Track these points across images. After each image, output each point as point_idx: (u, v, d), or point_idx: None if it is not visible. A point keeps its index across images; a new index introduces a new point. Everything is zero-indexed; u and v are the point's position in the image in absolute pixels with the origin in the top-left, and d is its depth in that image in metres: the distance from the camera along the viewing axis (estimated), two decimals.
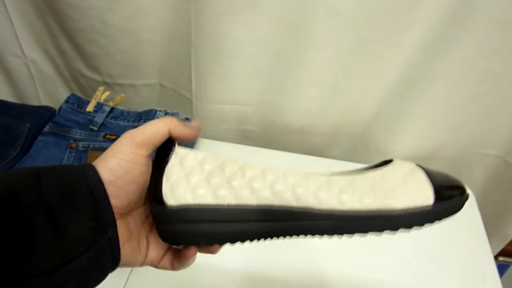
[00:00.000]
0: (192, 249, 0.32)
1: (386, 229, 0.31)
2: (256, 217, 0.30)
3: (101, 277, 0.28)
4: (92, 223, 0.26)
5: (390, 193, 0.30)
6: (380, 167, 0.33)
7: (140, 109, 0.68)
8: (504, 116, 0.69)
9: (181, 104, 0.78)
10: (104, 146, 0.61)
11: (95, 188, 0.27)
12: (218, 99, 0.75)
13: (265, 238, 0.30)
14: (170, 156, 0.30)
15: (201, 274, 0.53)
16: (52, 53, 0.82)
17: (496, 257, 0.87)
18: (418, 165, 0.35)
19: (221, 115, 0.77)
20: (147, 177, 0.30)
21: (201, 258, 0.33)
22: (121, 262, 0.29)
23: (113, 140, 0.61)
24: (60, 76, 0.86)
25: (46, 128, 0.62)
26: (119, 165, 0.28)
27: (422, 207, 0.30)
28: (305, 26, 0.62)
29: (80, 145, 0.61)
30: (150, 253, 0.33)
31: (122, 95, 0.72)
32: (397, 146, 0.76)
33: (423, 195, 0.30)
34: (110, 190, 0.28)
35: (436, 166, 0.78)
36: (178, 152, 0.30)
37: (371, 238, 0.61)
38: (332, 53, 0.64)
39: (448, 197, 0.32)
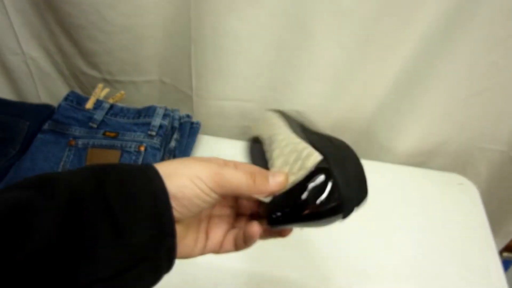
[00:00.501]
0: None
1: None
2: None
3: (154, 283, 0.28)
4: (154, 231, 0.26)
5: None
6: None
7: (140, 105, 0.67)
8: (508, 111, 0.68)
9: (182, 101, 0.77)
10: (104, 143, 0.60)
11: (159, 197, 0.27)
12: (219, 96, 0.74)
13: None
14: None
15: (203, 271, 0.52)
16: (51, 50, 0.81)
17: (500, 253, 0.86)
18: None
19: (222, 112, 0.77)
20: (212, 204, 0.30)
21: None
22: (176, 258, 0.29)
23: (113, 138, 0.61)
24: (60, 74, 0.85)
25: (46, 126, 0.62)
26: (191, 189, 0.28)
27: None
28: (308, 22, 0.61)
29: (80, 143, 0.60)
30: (209, 243, 0.33)
31: (122, 92, 0.72)
32: (400, 143, 0.75)
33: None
34: (174, 203, 0.28)
35: (440, 162, 0.78)
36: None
37: (374, 233, 0.61)
38: (335, 49, 0.64)
39: None
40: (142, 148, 0.59)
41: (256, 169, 0.34)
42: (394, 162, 0.75)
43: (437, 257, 0.60)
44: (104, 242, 0.24)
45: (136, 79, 0.79)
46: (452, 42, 0.60)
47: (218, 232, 0.34)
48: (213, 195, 0.29)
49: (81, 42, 0.75)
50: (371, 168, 0.71)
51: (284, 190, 0.32)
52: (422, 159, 0.78)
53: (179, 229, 0.29)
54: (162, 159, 0.61)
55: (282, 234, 0.35)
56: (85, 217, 0.24)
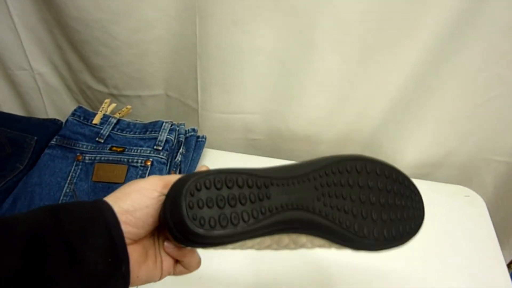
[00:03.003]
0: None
1: None
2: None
3: None
4: (109, 259, 0.28)
5: None
6: None
7: (146, 120, 0.68)
8: None
9: (187, 114, 0.78)
10: (110, 158, 0.61)
11: (112, 227, 0.29)
12: (224, 109, 0.75)
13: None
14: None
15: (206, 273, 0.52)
16: (58, 65, 0.82)
17: (508, 265, 0.85)
18: None
19: (227, 125, 0.77)
20: None
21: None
22: (140, 282, 0.31)
23: (120, 153, 0.62)
24: (67, 88, 0.86)
25: (53, 141, 0.63)
26: (140, 199, 0.31)
27: None
28: (311, 35, 0.62)
29: (87, 158, 0.61)
30: (164, 265, 0.35)
31: (128, 106, 0.72)
32: (405, 154, 0.75)
33: None
34: (128, 219, 0.30)
35: (445, 173, 0.78)
36: None
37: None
38: (338, 61, 0.64)
39: None
40: (149, 163, 0.60)
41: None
42: None
43: (444, 270, 0.60)
44: (64, 271, 0.26)
45: (142, 93, 0.79)
46: (456, 53, 0.60)
47: (168, 256, 0.35)
48: (159, 195, 0.32)
49: (87, 57, 0.76)
50: None
51: None
52: (427, 171, 0.77)
53: (137, 253, 0.32)
54: (168, 172, 0.62)
55: (186, 265, 0.36)
56: (45, 252, 0.26)
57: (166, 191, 0.31)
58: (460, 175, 0.78)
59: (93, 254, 0.28)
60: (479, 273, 0.60)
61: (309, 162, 0.38)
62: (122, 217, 0.30)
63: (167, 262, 0.35)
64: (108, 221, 0.29)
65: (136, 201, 0.31)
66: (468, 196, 0.71)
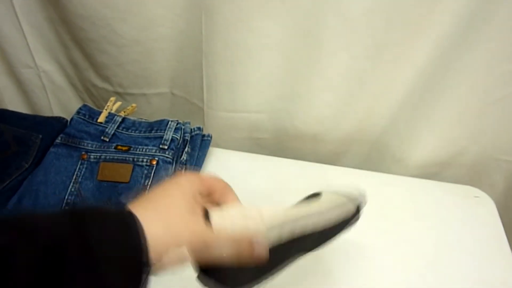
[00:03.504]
0: None
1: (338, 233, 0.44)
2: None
3: None
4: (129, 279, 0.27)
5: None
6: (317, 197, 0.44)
7: (152, 118, 0.67)
8: None
9: (193, 113, 0.77)
10: (115, 157, 0.60)
11: (142, 255, 0.27)
12: (230, 107, 0.74)
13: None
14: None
15: None
16: (64, 63, 0.82)
17: None
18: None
19: (233, 123, 0.76)
20: None
21: None
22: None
23: (125, 152, 0.61)
24: (72, 87, 0.86)
25: (58, 140, 0.62)
26: (171, 259, 0.30)
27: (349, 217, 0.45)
28: (318, 32, 0.61)
29: (92, 157, 0.61)
30: None
31: (134, 104, 0.72)
32: (413, 154, 0.74)
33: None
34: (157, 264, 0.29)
35: (454, 173, 0.77)
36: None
37: (387, 248, 0.60)
38: (345, 59, 0.63)
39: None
40: (154, 162, 0.59)
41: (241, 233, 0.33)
42: (406, 174, 0.73)
43: (454, 271, 0.59)
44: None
45: (147, 91, 0.79)
46: (466, 51, 0.59)
47: None
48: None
49: (92, 55, 0.76)
50: (382, 181, 0.71)
51: None
52: (436, 171, 0.76)
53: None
54: (174, 172, 0.61)
55: None
56: (67, 270, 0.25)
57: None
58: (469, 175, 0.77)
59: (117, 281, 0.27)
60: (488, 274, 0.59)
61: None
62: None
63: None
64: (139, 254, 0.27)
65: (165, 259, 0.29)
66: (478, 197, 0.70)
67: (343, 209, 0.44)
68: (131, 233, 0.27)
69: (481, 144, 0.72)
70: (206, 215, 0.32)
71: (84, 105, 0.67)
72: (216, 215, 0.33)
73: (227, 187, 0.38)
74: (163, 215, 0.30)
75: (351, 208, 0.45)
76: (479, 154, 0.74)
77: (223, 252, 0.31)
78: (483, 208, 0.68)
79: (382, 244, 0.61)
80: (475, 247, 0.62)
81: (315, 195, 0.46)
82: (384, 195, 0.68)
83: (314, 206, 0.42)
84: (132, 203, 0.31)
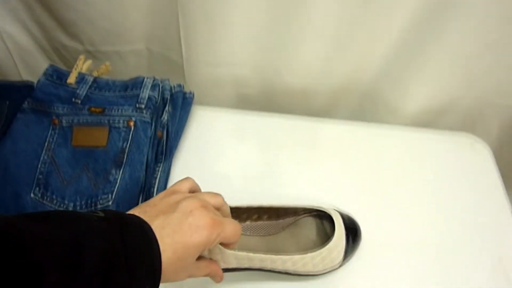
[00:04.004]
0: None
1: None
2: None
3: None
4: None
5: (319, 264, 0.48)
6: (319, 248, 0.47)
7: (128, 77, 0.62)
8: None
9: (172, 70, 0.72)
10: (89, 120, 0.55)
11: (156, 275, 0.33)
12: (211, 62, 0.69)
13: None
14: None
15: None
16: (27, 24, 0.75)
17: None
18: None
19: (216, 79, 0.72)
20: None
21: None
22: None
23: (99, 114, 0.57)
24: (40, 48, 0.79)
25: (25, 105, 0.57)
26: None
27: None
28: None
29: (64, 121, 0.56)
30: None
31: (107, 63, 0.66)
32: (407, 102, 0.70)
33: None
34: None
35: (449, 121, 0.74)
36: None
37: (381, 199, 0.58)
38: (334, 5, 0.58)
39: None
40: (132, 124, 0.55)
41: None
42: (400, 123, 0.70)
43: (449, 220, 0.58)
44: None
45: (121, 48, 0.73)
46: None
47: None
48: None
49: (58, 13, 0.69)
50: (376, 132, 0.68)
51: None
52: (430, 118, 0.73)
53: None
54: (154, 134, 0.57)
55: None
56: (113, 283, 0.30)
57: None
58: (463, 121, 0.74)
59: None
60: (484, 221, 0.58)
61: None
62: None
63: None
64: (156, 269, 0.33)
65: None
66: (474, 144, 0.68)
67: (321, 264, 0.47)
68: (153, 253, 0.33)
69: (477, 89, 0.69)
70: None
71: (51, 66, 0.61)
72: None
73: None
74: (176, 255, 0.34)
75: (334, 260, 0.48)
76: (474, 100, 0.71)
77: (204, 273, 0.41)
78: (479, 155, 0.67)
79: (377, 195, 0.59)
80: (471, 194, 0.61)
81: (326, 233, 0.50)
82: (378, 145, 0.66)
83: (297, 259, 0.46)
84: (154, 218, 0.35)
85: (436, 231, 0.56)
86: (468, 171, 0.64)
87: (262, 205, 0.50)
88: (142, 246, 0.32)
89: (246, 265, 0.45)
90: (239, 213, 0.50)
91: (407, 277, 0.52)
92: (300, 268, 0.47)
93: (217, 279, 0.43)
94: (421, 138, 0.68)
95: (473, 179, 0.63)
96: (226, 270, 0.45)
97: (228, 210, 0.44)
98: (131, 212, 0.36)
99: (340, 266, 0.49)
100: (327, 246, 0.47)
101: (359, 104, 0.74)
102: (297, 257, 0.46)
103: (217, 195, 0.44)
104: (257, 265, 0.46)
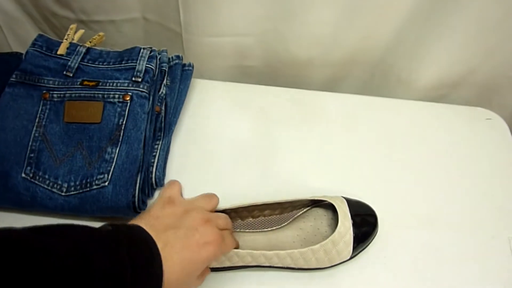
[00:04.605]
0: None
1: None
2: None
3: None
4: None
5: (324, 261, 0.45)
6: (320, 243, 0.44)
7: (123, 48, 0.58)
8: None
9: (170, 40, 0.68)
10: (82, 94, 0.52)
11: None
12: (211, 31, 0.64)
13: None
14: None
15: None
16: None
17: None
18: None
19: (217, 50, 0.67)
20: None
21: None
22: None
23: (93, 87, 0.53)
24: (29, 17, 0.75)
25: (13, 78, 0.53)
26: None
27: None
28: None
29: (55, 95, 0.52)
30: None
31: (101, 33, 0.62)
32: (420, 75, 0.66)
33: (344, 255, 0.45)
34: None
35: (463, 94, 0.70)
36: None
37: (395, 175, 0.56)
38: None
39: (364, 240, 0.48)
40: (128, 98, 0.51)
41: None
42: (412, 97, 0.66)
43: (465, 198, 0.55)
44: None
45: (116, 17, 0.68)
46: None
47: None
48: None
49: None
50: (387, 106, 0.64)
51: None
52: (444, 92, 0.70)
53: None
54: (152, 108, 0.53)
55: None
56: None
57: None
58: (479, 94, 0.71)
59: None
60: (501, 197, 0.56)
61: None
62: None
63: None
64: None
65: None
66: (490, 119, 0.64)
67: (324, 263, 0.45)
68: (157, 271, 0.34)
69: (495, 61, 0.65)
70: None
71: (40, 36, 0.57)
72: None
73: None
74: (184, 271, 0.36)
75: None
76: (491, 73, 0.68)
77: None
78: (495, 130, 0.63)
79: (389, 174, 0.56)
80: (487, 170, 0.58)
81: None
82: (389, 121, 0.62)
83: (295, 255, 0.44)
84: (161, 233, 0.36)
85: (452, 207, 0.54)
86: (483, 146, 0.61)
87: (266, 201, 0.47)
88: (148, 264, 0.33)
89: (243, 263, 0.44)
90: (239, 212, 0.47)
91: (421, 257, 0.50)
92: (302, 264, 0.44)
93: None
94: (434, 112, 0.64)
95: (488, 154, 0.60)
96: (226, 268, 0.44)
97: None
98: (136, 222, 0.37)
99: (352, 257, 0.46)
100: (330, 238, 0.43)
101: (369, 77, 0.70)
102: (296, 252, 0.43)
103: (211, 197, 0.46)
104: (253, 262, 0.44)
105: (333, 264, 0.46)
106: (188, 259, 0.36)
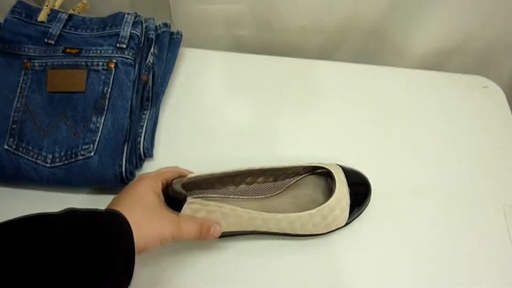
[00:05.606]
0: None
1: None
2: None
3: None
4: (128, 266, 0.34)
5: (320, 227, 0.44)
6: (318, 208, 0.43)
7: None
8: None
9: (157, 7, 0.65)
10: (65, 62, 0.50)
11: (129, 251, 0.34)
12: None
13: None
14: (183, 204, 0.41)
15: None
16: None
17: None
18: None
19: (206, 18, 0.65)
20: None
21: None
22: None
23: (76, 55, 0.51)
24: None
25: None
26: (157, 246, 0.38)
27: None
28: None
29: (37, 64, 0.50)
30: None
31: (84, 1, 0.59)
32: (416, 41, 0.65)
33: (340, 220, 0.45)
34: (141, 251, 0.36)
35: (460, 62, 0.68)
36: (189, 201, 0.41)
37: (389, 145, 0.55)
38: None
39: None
40: (112, 65, 0.49)
41: (203, 221, 0.41)
42: (407, 65, 0.65)
43: (460, 165, 0.54)
44: (98, 271, 0.32)
45: None
46: None
47: None
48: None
49: None
50: (382, 74, 0.63)
51: None
52: (440, 60, 0.68)
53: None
54: (139, 77, 0.51)
55: None
56: (83, 253, 0.31)
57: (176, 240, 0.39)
58: (475, 63, 0.69)
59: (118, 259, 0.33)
60: (496, 165, 0.55)
61: None
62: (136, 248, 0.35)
63: None
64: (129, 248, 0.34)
65: (153, 247, 0.37)
66: (487, 87, 0.63)
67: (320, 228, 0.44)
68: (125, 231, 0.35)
69: (493, 29, 0.64)
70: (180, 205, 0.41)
71: (19, 2, 0.54)
72: (189, 209, 0.41)
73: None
74: (147, 215, 0.38)
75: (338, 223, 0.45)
76: (488, 40, 0.66)
77: (190, 233, 0.39)
78: (492, 98, 0.62)
79: (383, 142, 0.55)
80: (483, 138, 0.58)
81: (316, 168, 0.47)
82: (384, 89, 0.61)
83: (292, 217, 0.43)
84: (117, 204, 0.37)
85: (447, 176, 0.53)
86: (480, 114, 0.60)
87: (259, 167, 0.45)
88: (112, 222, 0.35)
89: (240, 227, 0.43)
90: (232, 177, 0.46)
91: (416, 226, 0.49)
92: (299, 229, 0.43)
93: (214, 234, 0.41)
94: (430, 80, 0.63)
95: (485, 123, 0.59)
96: (224, 235, 0.43)
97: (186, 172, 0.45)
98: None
99: (347, 224, 0.46)
100: (327, 203, 0.43)
101: (364, 45, 0.68)
102: (293, 216, 0.42)
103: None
104: (250, 226, 0.43)
105: (329, 230, 0.45)
106: (136, 200, 0.38)
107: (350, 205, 0.44)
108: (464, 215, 0.50)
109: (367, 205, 0.48)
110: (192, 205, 0.41)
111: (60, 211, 0.34)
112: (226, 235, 0.44)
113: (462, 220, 0.50)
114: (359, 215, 0.47)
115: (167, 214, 0.39)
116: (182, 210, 0.41)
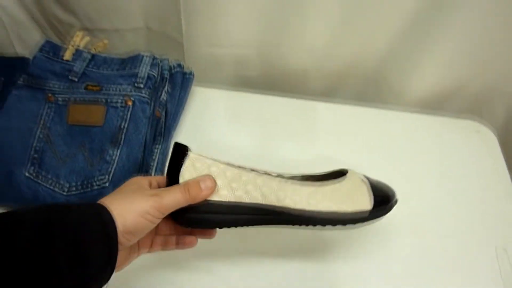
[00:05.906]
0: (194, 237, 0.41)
1: (338, 224, 0.41)
2: (248, 211, 0.39)
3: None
4: (106, 254, 0.32)
5: (343, 200, 0.42)
6: (337, 179, 0.43)
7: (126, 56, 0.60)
8: None
9: (172, 49, 0.70)
10: (86, 98, 0.54)
11: (112, 239, 0.32)
12: (212, 42, 0.67)
13: (253, 225, 0.40)
14: (184, 159, 0.38)
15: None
16: None
17: None
18: (364, 177, 0.46)
19: (217, 60, 0.70)
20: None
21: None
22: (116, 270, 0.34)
23: (96, 92, 0.55)
24: (35, 23, 0.77)
25: (20, 81, 0.55)
26: (143, 223, 0.34)
27: (363, 211, 0.42)
28: None
29: (60, 98, 0.54)
30: (141, 250, 0.40)
31: (105, 40, 0.64)
32: (412, 86, 0.69)
33: (364, 203, 0.42)
34: (128, 236, 0.34)
35: (454, 106, 0.72)
36: (191, 156, 0.38)
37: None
38: None
39: (381, 204, 0.44)
40: (130, 103, 0.53)
41: (188, 180, 0.37)
42: (404, 108, 0.69)
43: (454, 207, 0.57)
44: (69, 263, 0.30)
45: (120, 26, 0.71)
46: None
47: (147, 240, 0.40)
48: (158, 220, 0.35)
49: None
50: (379, 116, 0.67)
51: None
52: (435, 104, 0.72)
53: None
54: (153, 113, 0.55)
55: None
56: (53, 243, 0.30)
57: (163, 214, 0.35)
58: (470, 107, 0.73)
59: (94, 248, 0.31)
60: (490, 208, 0.57)
61: None
62: (121, 237, 0.33)
63: (146, 244, 0.40)
64: (106, 221, 0.32)
65: (139, 225, 0.34)
66: (479, 132, 0.66)
67: (344, 204, 0.42)
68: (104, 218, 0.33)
69: (487, 75, 0.68)
70: None
71: (47, 41, 0.59)
72: (190, 167, 0.38)
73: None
74: (129, 198, 0.35)
75: (367, 203, 0.43)
76: (482, 86, 0.70)
77: (174, 198, 0.35)
78: (484, 143, 0.65)
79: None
80: (476, 181, 0.60)
81: (340, 174, 0.45)
82: (381, 130, 0.64)
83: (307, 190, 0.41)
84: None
85: (440, 217, 0.55)
86: (473, 157, 0.62)
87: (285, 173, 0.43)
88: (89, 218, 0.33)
89: (252, 200, 0.39)
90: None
91: (409, 263, 0.51)
92: (303, 202, 0.40)
93: (207, 189, 0.37)
94: (425, 123, 0.66)
95: (478, 165, 0.62)
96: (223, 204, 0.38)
97: None
98: None
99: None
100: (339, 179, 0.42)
101: (363, 87, 0.72)
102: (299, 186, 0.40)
103: None
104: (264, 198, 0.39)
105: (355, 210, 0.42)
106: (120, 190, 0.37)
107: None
108: (456, 255, 0.52)
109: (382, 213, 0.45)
110: (196, 163, 0.37)
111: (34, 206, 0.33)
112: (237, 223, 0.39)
113: (455, 260, 0.52)
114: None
115: (150, 191, 0.37)
116: (181, 171, 0.37)
